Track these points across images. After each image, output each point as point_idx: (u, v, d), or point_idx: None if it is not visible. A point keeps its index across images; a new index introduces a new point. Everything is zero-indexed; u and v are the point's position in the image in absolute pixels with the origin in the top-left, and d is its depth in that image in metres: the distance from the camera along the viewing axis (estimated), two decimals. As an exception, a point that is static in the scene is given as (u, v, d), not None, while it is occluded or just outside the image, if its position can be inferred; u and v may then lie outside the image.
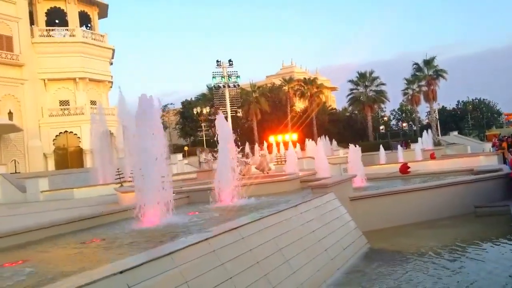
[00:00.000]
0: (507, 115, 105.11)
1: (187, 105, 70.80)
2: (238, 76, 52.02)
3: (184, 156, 46.58)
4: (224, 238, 5.84)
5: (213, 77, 51.58)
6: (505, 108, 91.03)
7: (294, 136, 56.67)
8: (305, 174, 16.11)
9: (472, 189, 12.20)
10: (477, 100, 79.77)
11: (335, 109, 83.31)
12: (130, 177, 21.25)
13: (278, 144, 45.53)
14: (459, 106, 79.56)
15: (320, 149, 19.00)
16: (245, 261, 5.83)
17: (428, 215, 11.31)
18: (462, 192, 12.05)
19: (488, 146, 41.77)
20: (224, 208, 9.66)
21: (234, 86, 52.46)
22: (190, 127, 70.22)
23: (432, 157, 27.65)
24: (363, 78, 65.61)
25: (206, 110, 60.67)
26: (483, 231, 10.00)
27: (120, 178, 23.00)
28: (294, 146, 42.71)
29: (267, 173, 18.85)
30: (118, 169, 24.09)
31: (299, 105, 77.02)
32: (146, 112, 8.12)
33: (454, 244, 8.86)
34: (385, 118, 78.02)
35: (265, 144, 48.60)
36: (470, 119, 75.83)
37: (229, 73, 51.63)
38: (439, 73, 59.74)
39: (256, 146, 48.90)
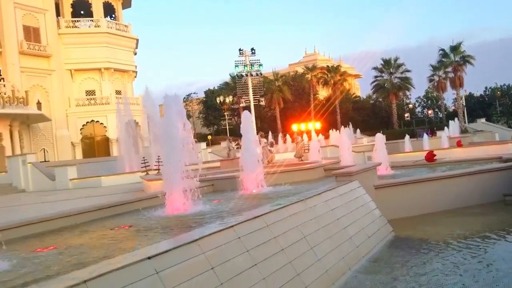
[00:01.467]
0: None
1: (210, 94, 71.17)
2: (260, 65, 51.84)
3: (208, 145, 46.90)
4: (248, 225, 5.87)
5: (235, 66, 51.57)
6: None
7: (318, 125, 56.40)
8: (329, 162, 16.02)
9: (501, 177, 11.89)
10: (505, 86, 77.14)
11: (359, 96, 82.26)
12: (155, 165, 21.55)
13: (301, 133, 45.30)
14: (487, 92, 77.25)
15: (344, 138, 18.82)
16: (269, 248, 5.86)
17: (455, 203, 11.11)
18: (490, 180, 11.76)
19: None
20: (248, 196, 9.73)
21: (257, 74, 52.35)
22: (213, 116, 70.69)
23: (459, 144, 27.05)
24: (388, 65, 64.45)
25: (229, 99, 60.92)
26: (511, 219, 9.76)
27: (145, 166, 23.36)
28: (318, 134, 42.54)
29: (301, 160, 18.89)
30: (143, 157, 24.46)
31: (322, 93, 76.33)
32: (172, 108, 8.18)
33: (482, 232, 8.69)
34: (410, 106, 76.54)
35: (296, 133, 48.50)
36: (499, 105, 73.56)
37: (251, 61, 51.51)
38: (466, 59, 58.14)
39: (280, 135, 48.80)
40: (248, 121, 10.99)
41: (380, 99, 71.45)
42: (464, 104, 63.01)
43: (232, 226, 5.63)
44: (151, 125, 30.76)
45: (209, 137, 56.42)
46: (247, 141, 10.53)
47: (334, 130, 46.59)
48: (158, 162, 18.73)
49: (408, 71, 64.24)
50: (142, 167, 23.68)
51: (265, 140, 24.29)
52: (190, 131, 8.08)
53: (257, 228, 5.96)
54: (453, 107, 70.27)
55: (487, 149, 23.06)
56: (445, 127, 39.77)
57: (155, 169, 21.72)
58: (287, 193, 9.78)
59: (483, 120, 57.94)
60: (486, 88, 78.03)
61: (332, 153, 29.31)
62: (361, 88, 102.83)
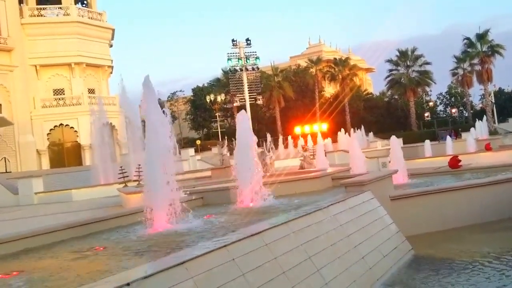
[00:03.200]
0: None
1: (199, 92, 71.24)
2: (257, 58, 52.03)
3: (196, 151, 46.93)
4: (244, 244, 5.87)
5: (228, 59, 51.70)
6: None
7: (324, 127, 56.56)
8: (338, 170, 16.05)
9: (537, 186, 11.91)
10: (542, 80, 77.86)
11: (371, 93, 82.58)
12: (135, 175, 21.56)
13: (305, 136, 45.42)
14: (520, 87, 77.78)
15: (355, 141, 18.91)
16: (269, 270, 5.85)
17: (483, 216, 11.12)
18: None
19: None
20: (244, 211, 9.72)
21: (253, 69, 52.53)
22: (203, 117, 70.70)
23: (488, 148, 27.15)
24: (404, 56, 64.79)
25: (220, 97, 60.99)
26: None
27: (124, 177, 23.32)
28: (324, 138, 42.65)
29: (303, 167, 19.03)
30: (121, 166, 24.43)
31: (329, 90, 76.59)
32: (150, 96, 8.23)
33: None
34: (431, 104, 76.98)
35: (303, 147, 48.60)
36: (534, 102, 74.08)
37: (246, 54, 51.68)
38: (494, 49, 58.55)
39: (280, 138, 48.86)
40: (245, 122, 11.00)
41: (396, 96, 71.73)
42: (493, 101, 63.38)
43: (226, 245, 5.62)
44: (130, 129, 30.78)
45: (198, 142, 56.47)
46: (242, 146, 10.55)
47: (343, 132, 46.72)
48: (139, 171, 18.73)
49: (428, 63, 64.63)
50: (119, 178, 23.64)
51: (223, 150, 24.68)
52: (169, 126, 8.11)
53: (255, 248, 5.96)
54: (480, 105, 70.75)
55: (520, 153, 23.17)
56: (472, 128, 39.95)
57: (135, 180, 21.69)
58: (289, 206, 9.77)
59: (515, 119, 58.30)
60: (518, 82, 78.54)
61: (341, 160, 29.39)
62: (374, 84, 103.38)
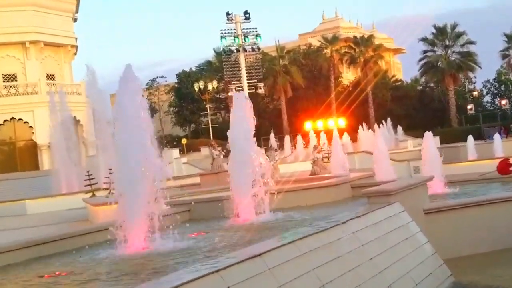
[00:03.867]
0: None
1: (185, 79, 71.21)
2: (258, 35, 51.98)
3: (181, 152, 46.94)
4: (242, 269, 5.87)
5: (222, 37, 51.62)
6: None
7: (341, 122, 56.56)
8: (359, 177, 16.05)
9: None
10: None
11: (400, 81, 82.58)
12: (105, 182, 21.56)
13: (318, 133, 45.41)
14: None
15: (380, 140, 18.90)
16: (273, 302, 5.87)
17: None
18: None
19: None
20: (242, 227, 9.74)
21: (253, 49, 52.48)
22: (190, 110, 70.72)
23: (547, 149, 27.18)
24: (443, 34, 64.84)
25: (212, 85, 60.94)
26: None
27: (91, 184, 23.32)
28: (342, 136, 42.65)
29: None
30: (87, 171, 24.44)
31: (348, 76, 76.59)
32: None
33: None
34: (475, 93, 76.97)
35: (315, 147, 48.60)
36: None
37: (245, 31, 51.63)
38: (556, 25, 58.53)
39: (287, 138, 48.77)
40: (243, 108, 10.98)
41: (432, 84, 71.78)
42: (554, 90, 63.36)
43: (218, 270, 5.62)
44: (98, 125, 30.79)
45: (184, 140, 56.49)
46: (239, 145, 10.57)
47: (365, 128, 46.72)
48: (109, 177, 18.73)
49: (472, 43, 64.68)
50: (86, 186, 23.64)
51: (217, 152, 24.71)
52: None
53: (255, 273, 5.96)
54: (538, 96, 70.65)
55: None
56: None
57: (105, 188, 21.70)
58: (297, 221, 9.79)
59: None
60: None
61: (363, 163, 29.40)
62: (404, 69, 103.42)
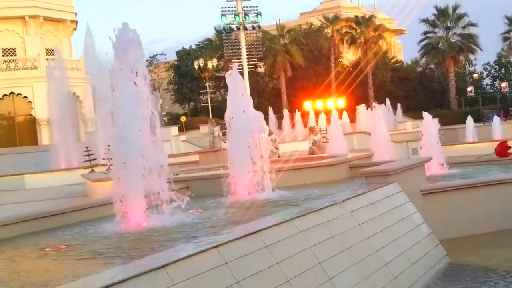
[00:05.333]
0: None
1: (185, 57, 70.92)
2: (259, 14, 51.73)
3: (180, 129, 46.95)
4: (240, 245, 5.93)
5: (222, 15, 51.39)
6: None
7: (341, 102, 56.52)
8: (357, 157, 16.08)
9: None
10: None
11: (401, 62, 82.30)
12: (104, 158, 21.62)
13: (317, 113, 45.40)
14: None
15: (379, 121, 18.92)
16: (269, 278, 5.91)
17: (537, 217, 11.20)
18: None
19: None
20: (240, 204, 9.78)
21: (253, 28, 52.27)
22: (189, 88, 70.54)
23: (546, 133, 27.22)
24: (444, 16, 64.50)
25: (212, 63, 60.77)
26: None
27: (90, 160, 23.37)
28: (341, 116, 42.68)
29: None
30: (87, 147, 24.48)
31: (348, 56, 76.28)
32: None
33: None
34: (475, 76, 76.76)
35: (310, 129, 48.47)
36: None
37: (245, 9, 51.35)
38: (559, 8, 58.17)
39: (286, 112, 48.61)
40: (238, 85, 10.99)
41: (432, 66, 71.60)
42: (554, 74, 63.19)
43: (217, 246, 5.68)
44: (98, 101, 30.76)
45: (183, 118, 56.40)
46: (238, 121, 10.57)
47: (364, 107, 46.63)
48: (108, 153, 18.76)
49: (473, 25, 64.34)
50: (84, 162, 23.70)
51: (217, 129, 24.71)
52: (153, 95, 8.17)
53: (252, 250, 6.02)
54: (538, 79, 70.48)
55: None
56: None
57: (104, 164, 21.75)
58: (296, 200, 9.83)
59: None
60: None
61: (362, 143, 29.50)
62: (405, 50, 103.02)
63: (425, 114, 16.21)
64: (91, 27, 35.48)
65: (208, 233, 7.12)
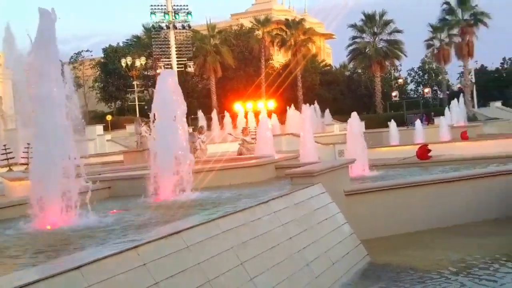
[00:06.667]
0: None
1: (112, 54, 69.58)
2: (189, 13, 51.47)
3: (106, 129, 46.09)
4: (160, 246, 5.88)
5: (151, 13, 50.84)
6: None
7: (271, 104, 56.98)
8: (283, 158, 16.24)
9: (514, 184, 12.60)
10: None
11: (330, 66, 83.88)
12: (23, 157, 20.98)
13: (246, 114, 45.61)
14: (506, 65, 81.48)
15: (307, 123, 19.16)
16: (190, 279, 5.89)
17: (454, 218, 11.64)
18: (503, 187, 12.42)
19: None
20: (163, 205, 9.71)
21: (183, 27, 51.96)
22: (116, 86, 69.28)
23: (464, 137, 28.39)
24: (371, 22, 66.13)
25: (140, 61, 59.94)
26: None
27: (8, 158, 22.64)
28: (270, 117, 42.98)
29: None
30: (4, 145, 23.70)
31: (278, 58, 76.98)
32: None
33: (489, 258, 9.18)
34: (400, 81, 79.25)
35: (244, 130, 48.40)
36: (521, 84, 77.78)
37: (175, 7, 50.99)
38: (478, 18, 60.79)
39: (215, 114, 48.69)
40: (170, 85, 10.90)
41: (359, 70, 73.29)
42: (473, 80, 65.99)
43: (136, 247, 5.61)
44: (18, 98, 29.72)
45: (109, 117, 55.34)
46: (163, 119, 10.49)
47: (293, 109, 47.17)
48: (28, 152, 18.23)
49: (399, 31, 66.25)
50: (2, 160, 22.96)
51: (144, 129, 24.58)
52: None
53: (173, 251, 5.98)
54: (458, 85, 73.43)
55: (501, 144, 24.26)
56: (447, 112, 41.54)
57: (23, 163, 21.13)
58: (220, 200, 9.84)
59: (498, 103, 60.97)
60: (504, 60, 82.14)
61: (290, 145, 29.73)
62: (334, 54, 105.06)
63: (353, 114, 16.55)
64: (12, 19, 34.25)
65: (128, 233, 7.04)
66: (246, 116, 45.25)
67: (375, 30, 66.28)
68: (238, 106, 53.72)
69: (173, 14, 50.49)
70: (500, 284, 7.90)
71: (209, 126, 44.63)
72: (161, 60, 52.62)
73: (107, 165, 20.41)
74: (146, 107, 51.89)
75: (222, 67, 63.25)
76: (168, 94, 10.69)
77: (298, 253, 7.87)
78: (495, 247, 10.06)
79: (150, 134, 23.52)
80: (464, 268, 8.67)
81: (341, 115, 55.76)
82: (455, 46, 62.36)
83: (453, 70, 75.70)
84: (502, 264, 8.83)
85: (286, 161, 15.69)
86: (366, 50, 65.85)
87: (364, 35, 67.04)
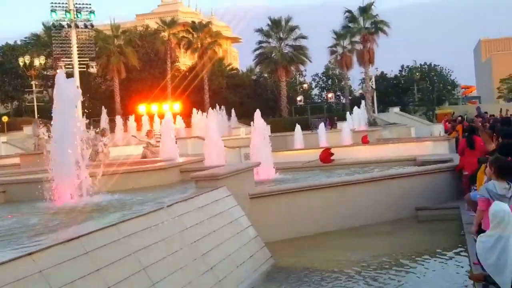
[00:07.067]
0: (465, 88, 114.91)
1: (9, 52, 66.74)
2: (92, 12, 50.17)
3: (1, 130, 44.12)
4: (57, 252, 5.72)
5: (52, 11, 49.08)
6: (462, 79, 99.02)
7: (177, 106, 56.58)
8: (188, 161, 16.22)
9: (414, 186, 13.27)
10: (426, 66, 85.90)
11: (236, 69, 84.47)
12: None
13: (152, 117, 45.02)
14: (404, 73, 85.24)
15: (212, 126, 19.17)
16: (89, 285, 5.77)
17: (355, 219, 12.06)
18: (400, 190, 13.03)
19: (438, 128, 45.52)
20: (62, 210, 9.42)
21: (86, 26, 50.53)
22: (13, 86, 66.47)
23: (365, 141, 29.43)
24: (277, 27, 67.15)
25: (39, 61, 57.86)
26: (425, 241, 10.96)
27: None
28: (175, 120, 42.69)
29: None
30: None
31: (185, 61, 76.66)
32: None
33: (386, 258, 9.59)
34: (305, 86, 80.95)
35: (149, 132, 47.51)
36: (417, 91, 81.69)
37: (77, 6, 49.53)
38: (378, 26, 63.26)
39: (118, 117, 47.91)
40: (65, 88, 10.59)
41: (266, 75, 74.23)
42: (374, 87, 68.58)
43: (31, 253, 5.43)
44: None
45: (5, 118, 52.92)
46: (62, 122, 10.18)
47: (199, 112, 47.08)
48: None
49: (304, 37, 67.67)
50: None
51: (43, 131, 23.94)
52: None
53: (71, 257, 5.84)
54: (360, 91, 76.07)
55: (399, 148, 25.46)
56: (348, 117, 42.89)
57: None
58: (122, 204, 9.67)
59: (396, 109, 63.76)
60: (402, 67, 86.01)
61: (196, 148, 29.62)
62: (240, 58, 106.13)
63: (256, 112, 16.73)
64: None
65: (24, 239, 6.77)
66: (151, 119, 44.66)
67: (281, 35, 67.37)
68: (143, 109, 52.95)
69: (75, 12, 48.98)
70: (398, 281, 8.26)
71: (112, 129, 43.73)
72: (62, 59, 50.90)
73: (2, 169, 19.52)
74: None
75: (127, 68, 62.13)
76: (65, 95, 10.38)
77: (202, 257, 7.87)
78: (394, 246, 10.52)
79: (49, 137, 22.80)
80: (363, 268, 9.00)
81: (247, 118, 56.20)
82: (357, 53, 64.49)
83: (355, 76, 78.34)
84: (400, 264, 9.24)
85: (191, 164, 15.67)
86: (272, 55, 66.82)
87: (270, 40, 67.97)
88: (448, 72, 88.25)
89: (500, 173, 6.77)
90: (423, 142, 27.64)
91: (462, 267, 8.61)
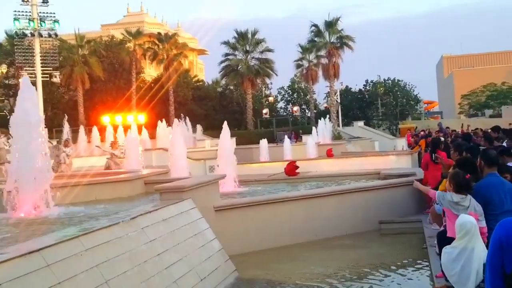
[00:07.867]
0: (427, 104, 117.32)
1: (-30, 60, 65.47)
2: (56, 21, 49.66)
3: (-39, 140, 42.88)
4: (17, 265, 5.61)
5: (15, 19, 48.43)
6: (425, 94, 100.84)
7: (141, 118, 56.18)
8: (153, 173, 16.09)
9: (378, 199, 13.42)
10: (390, 82, 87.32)
11: (202, 81, 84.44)
12: None
13: (116, 128, 44.58)
14: (368, 87, 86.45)
15: (177, 137, 19.09)
16: (50, 300, 5.64)
17: (319, 232, 12.13)
18: (363, 203, 13.16)
19: (401, 142, 46.21)
20: (22, 222, 9.26)
21: (50, 35, 50.01)
22: (-26, 95, 65.18)
23: (329, 154, 29.68)
24: (244, 39, 67.46)
25: (1, 69, 57.02)
26: (387, 254, 11.06)
27: None
28: (140, 131, 42.34)
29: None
30: None
31: (150, 72, 76.33)
32: None
33: (350, 271, 9.65)
34: (271, 99, 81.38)
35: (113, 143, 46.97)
36: (381, 106, 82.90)
37: (41, 14, 49.01)
38: (344, 41, 64.10)
39: (81, 127, 47.38)
40: (29, 95, 10.41)
41: (231, 87, 74.39)
42: (338, 101, 69.33)
43: (-12, 267, 5.29)
44: None
45: (-35, 128, 51.84)
46: (22, 131, 10.00)
47: (164, 124, 46.82)
48: None
49: (270, 50, 68.15)
50: None
51: (3, 140, 23.59)
52: None
53: (32, 270, 5.73)
54: (325, 105, 76.80)
55: (363, 161, 25.82)
56: (313, 130, 43.20)
57: None
58: (86, 216, 9.54)
59: (360, 123, 64.60)
60: (367, 82, 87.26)
61: (160, 160, 29.44)
62: (206, 70, 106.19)
63: (224, 124, 16.77)
64: None
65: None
66: (115, 130, 44.21)
67: (247, 48, 67.68)
68: (107, 119, 52.44)
69: (38, 21, 48.42)
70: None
71: (75, 139, 43.13)
72: (24, 68, 50.17)
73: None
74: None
75: (91, 79, 61.52)
76: (26, 103, 10.21)
77: (166, 270, 7.80)
78: (357, 259, 10.58)
79: (9, 147, 22.36)
80: (326, 281, 9.03)
81: (213, 130, 56.19)
82: (322, 67, 65.15)
83: (320, 90, 79.25)
84: (363, 276, 9.31)
85: (156, 176, 15.56)
86: (238, 67, 67.03)
87: (236, 53, 68.21)
88: (411, 87, 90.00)
89: (458, 189, 6.96)
90: (387, 156, 28.00)
91: (425, 279, 8.71)
